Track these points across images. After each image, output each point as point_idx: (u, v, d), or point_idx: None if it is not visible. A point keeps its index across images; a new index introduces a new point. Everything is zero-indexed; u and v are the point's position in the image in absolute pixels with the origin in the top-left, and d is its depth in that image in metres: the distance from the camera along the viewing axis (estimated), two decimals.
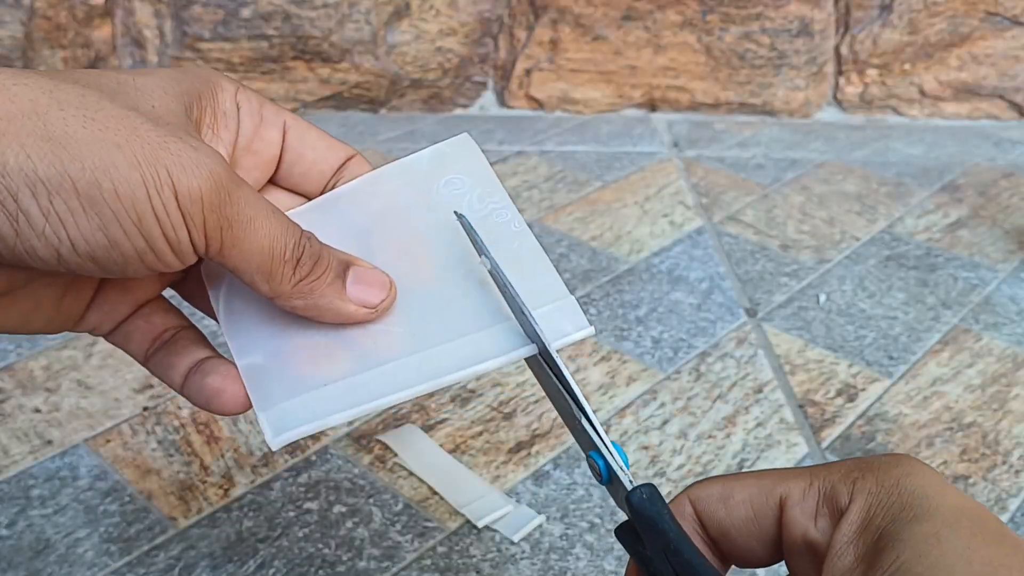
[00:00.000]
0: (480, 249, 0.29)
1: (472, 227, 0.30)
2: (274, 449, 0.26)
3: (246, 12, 0.96)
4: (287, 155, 0.30)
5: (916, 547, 0.21)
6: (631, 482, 0.25)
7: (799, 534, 0.24)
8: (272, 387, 0.27)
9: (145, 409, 0.55)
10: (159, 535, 0.47)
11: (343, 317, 0.27)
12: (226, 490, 0.50)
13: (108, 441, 0.53)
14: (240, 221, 0.24)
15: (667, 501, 0.25)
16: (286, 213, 0.27)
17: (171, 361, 0.28)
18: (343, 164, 0.31)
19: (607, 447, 0.26)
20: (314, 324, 0.28)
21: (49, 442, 0.52)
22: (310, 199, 0.31)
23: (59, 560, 0.45)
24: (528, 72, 1.03)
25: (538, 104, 1.05)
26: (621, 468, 0.26)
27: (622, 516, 0.49)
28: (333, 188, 0.31)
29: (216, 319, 0.30)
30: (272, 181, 0.31)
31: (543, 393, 0.58)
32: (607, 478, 0.26)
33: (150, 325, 0.29)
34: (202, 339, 0.30)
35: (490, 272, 0.29)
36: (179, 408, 0.55)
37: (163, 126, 0.23)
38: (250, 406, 0.27)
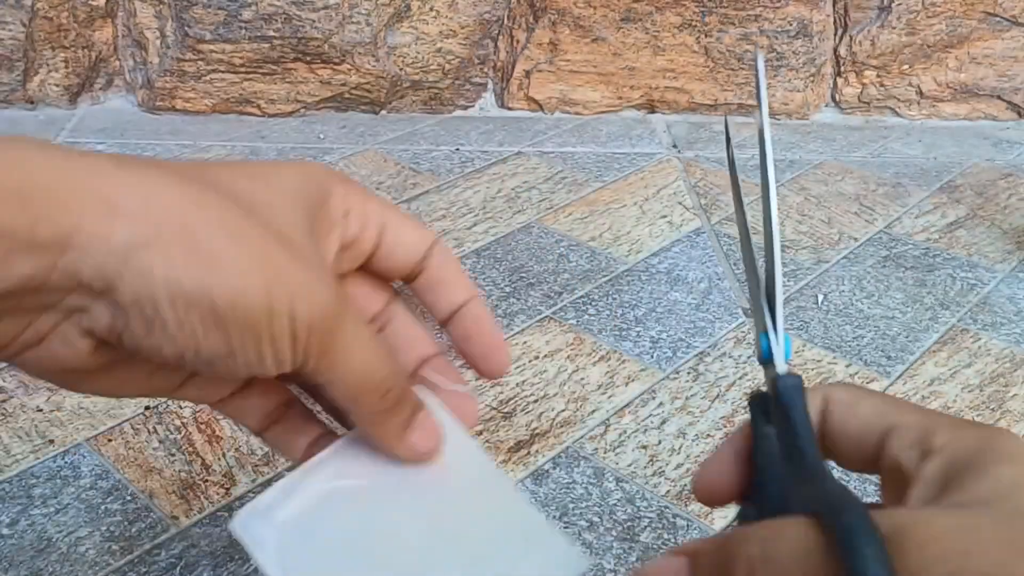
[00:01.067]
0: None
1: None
2: None
3: (247, 14, 0.96)
4: (381, 250, 0.32)
5: (994, 483, 0.22)
6: (784, 368, 0.28)
7: (894, 461, 0.26)
8: None
9: (147, 408, 0.55)
10: (161, 534, 0.47)
11: (392, 451, 0.29)
12: (227, 489, 0.50)
13: (110, 440, 0.53)
14: (339, 348, 0.26)
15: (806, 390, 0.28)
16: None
17: (290, 439, 0.31)
18: (427, 251, 0.33)
19: (777, 335, 0.29)
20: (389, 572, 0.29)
21: (51, 441, 0.53)
22: (390, 280, 0.34)
23: (61, 559, 0.45)
24: (528, 73, 1.04)
25: (537, 105, 1.05)
26: (780, 355, 0.28)
27: (620, 516, 0.49)
28: (417, 272, 0.33)
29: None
30: (360, 267, 0.33)
31: (543, 393, 0.58)
32: (767, 358, 0.29)
33: (265, 400, 0.31)
34: (312, 415, 0.32)
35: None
36: (180, 408, 0.56)
37: (291, 250, 0.25)
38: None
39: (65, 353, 0.24)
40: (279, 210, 0.27)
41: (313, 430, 0.31)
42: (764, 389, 0.29)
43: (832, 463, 0.29)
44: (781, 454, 0.27)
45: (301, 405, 0.32)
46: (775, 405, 0.28)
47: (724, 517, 0.50)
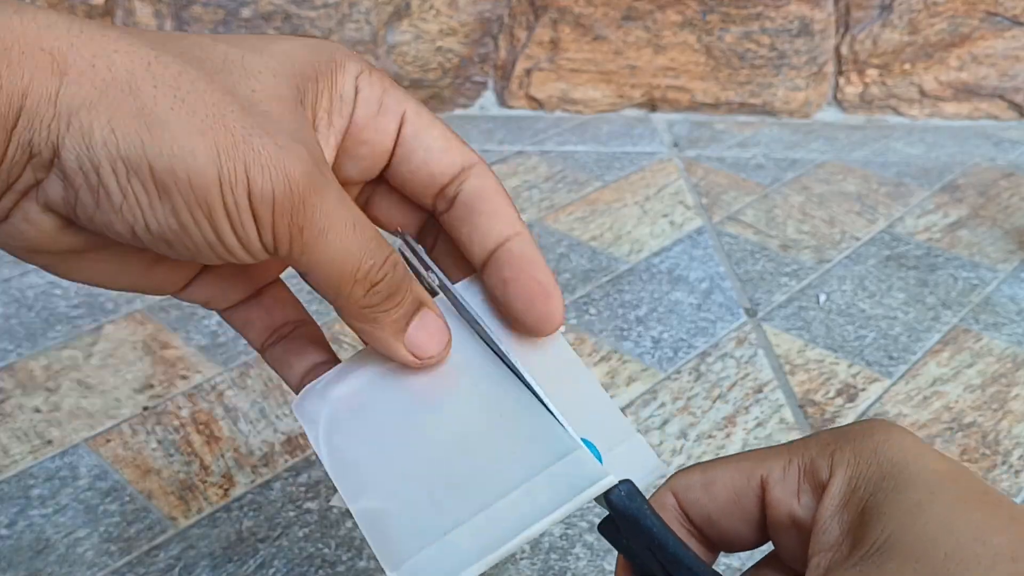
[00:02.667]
0: (426, 264, 0.28)
1: (415, 243, 0.28)
2: None
3: (246, 12, 0.96)
4: (400, 150, 0.27)
5: (900, 519, 0.21)
6: (610, 480, 0.25)
7: (784, 512, 0.24)
8: (395, 540, 0.25)
9: (145, 409, 0.55)
10: (159, 535, 0.47)
11: (391, 356, 0.26)
12: (226, 490, 0.50)
13: (108, 441, 0.53)
14: (312, 230, 0.23)
15: (649, 496, 0.25)
16: None
17: (288, 360, 0.28)
18: (460, 172, 0.27)
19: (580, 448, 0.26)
20: (423, 458, 0.26)
21: (49, 442, 0.52)
22: (420, 205, 0.28)
23: (59, 560, 0.45)
24: (528, 72, 1.03)
25: (538, 104, 1.05)
26: (599, 469, 0.26)
27: None
28: (449, 197, 0.28)
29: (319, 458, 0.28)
30: (384, 177, 0.29)
31: None
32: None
33: (269, 316, 0.28)
34: (320, 339, 0.28)
35: (439, 287, 0.27)
36: (179, 408, 0.55)
37: (255, 116, 0.22)
38: None
39: (31, 231, 0.23)
40: (256, 76, 0.23)
41: (315, 356, 0.28)
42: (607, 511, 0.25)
43: (723, 553, 0.27)
44: (660, 569, 0.24)
45: (311, 328, 0.28)
46: (623, 522, 0.24)
47: None
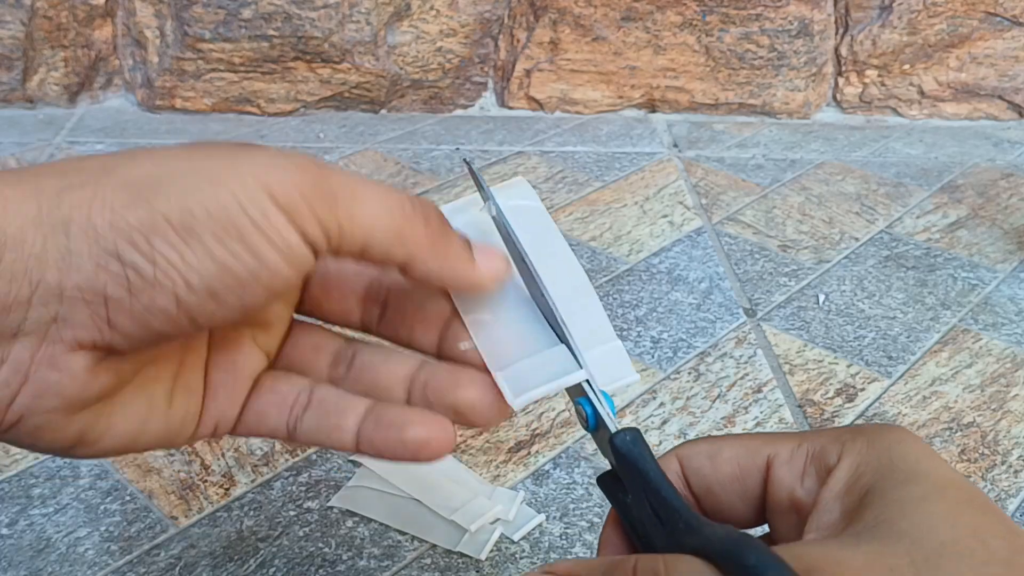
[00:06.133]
0: (486, 194, 0.30)
1: (478, 173, 0.31)
2: (516, 409, 0.26)
3: (247, 13, 0.96)
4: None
5: (902, 506, 0.21)
6: (616, 426, 0.25)
7: (785, 494, 0.24)
8: (502, 351, 0.28)
9: None
10: (160, 534, 0.47)
11: (473, 283, 0.26)
12: (227, 489, 0.50)
13: None
14: (346, 197, 0.22)
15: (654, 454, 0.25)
16: None
17: (333, 424, 0.27)
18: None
19: (595, 394, 0.26)
20: (502, 313, 0.28)
21: None
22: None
23: (60, 559, 0.45)
24: (528, 72, 1.03)
25: (538, 104, 1.05)
26: (608, 415, 0.26)
27: None
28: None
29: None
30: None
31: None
32: (593, 425, 0.26)
33: (279, 396, 0.27)
34: (342, 392, 0.28)
35: (493, 218, 0.30)
36: None
37: (230, 147, 0.22)
38: (454, 447, 0.27)
39: (62, 380, 0.21)
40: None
41: (356, 406, 0.27)
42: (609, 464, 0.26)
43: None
44: (653, 518, 0.24)
45: (326, 386, 0.28)
46: (623, 467, 0.25)
47: None
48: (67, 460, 0.51)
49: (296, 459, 0.52)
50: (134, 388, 0.24)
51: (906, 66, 1.05)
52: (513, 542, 0.47)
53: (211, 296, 0.21)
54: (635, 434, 0.25)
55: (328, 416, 0.27)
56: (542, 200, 0.86)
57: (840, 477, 0.22)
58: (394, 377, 0.28)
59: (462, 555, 0.46)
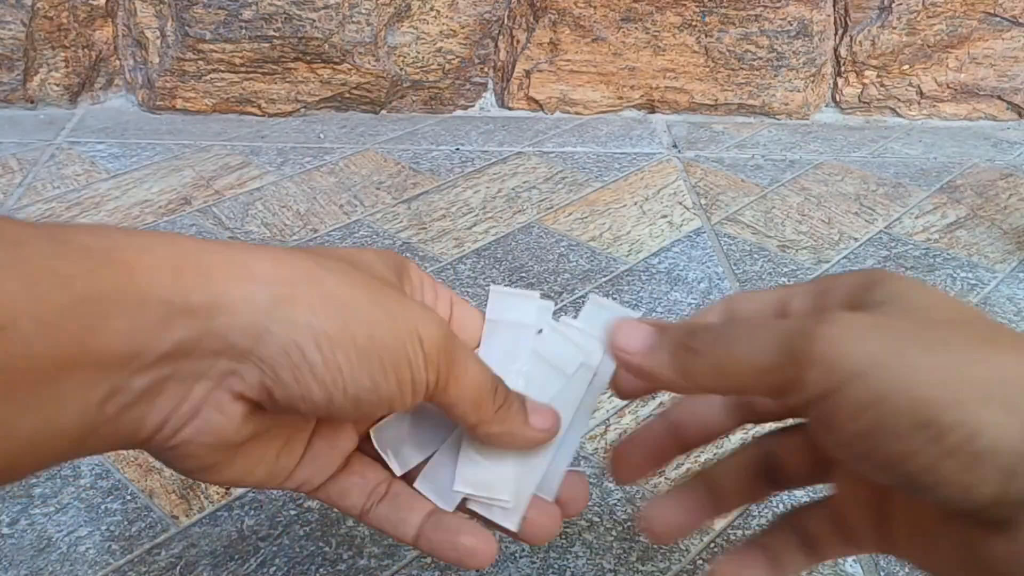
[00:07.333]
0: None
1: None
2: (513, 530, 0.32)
3: (248, 13, 0.96)
4: (452, 325, 0.34)
5: (909, 292, 0.25)
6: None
7: (799, 311, 0.28)
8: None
9: None
10: (161, 533, 0.47)
11: (527, 440, 0.31)
12: (227, 489, 0.50)
13: None
14: (459, 362, 0.28)
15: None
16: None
17: (400, 517, 0.32)
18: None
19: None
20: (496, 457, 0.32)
21: None
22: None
23: (61, 558, 0.45)
24: (528, 73, 1.04)
25: (538, 105, 1.05)
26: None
27: (620, 516, 0.49)
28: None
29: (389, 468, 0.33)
30: None
31: None
32: None
33: (364, 480, 0.32)
34: (414, 490, 0.32)
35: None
36: None
37: (399, 291, 0.29)
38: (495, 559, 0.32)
39: (221, 422, 0.26)
40: (374, 268, 0.30)
41: (422, 506, 0.32)
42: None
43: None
44: None
45: (402, 482, 0.33)
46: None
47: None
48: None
49: None
50: (260, 440, 0.28)
51: (905, 66, 1.05)
52: (513, 542, 0.47)
53: (354, 403, 0.26)
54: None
55: (399, 510, 0.32)
56: (543, 200, 0.85)
57: (843, 291, 0.26)
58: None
59: None
